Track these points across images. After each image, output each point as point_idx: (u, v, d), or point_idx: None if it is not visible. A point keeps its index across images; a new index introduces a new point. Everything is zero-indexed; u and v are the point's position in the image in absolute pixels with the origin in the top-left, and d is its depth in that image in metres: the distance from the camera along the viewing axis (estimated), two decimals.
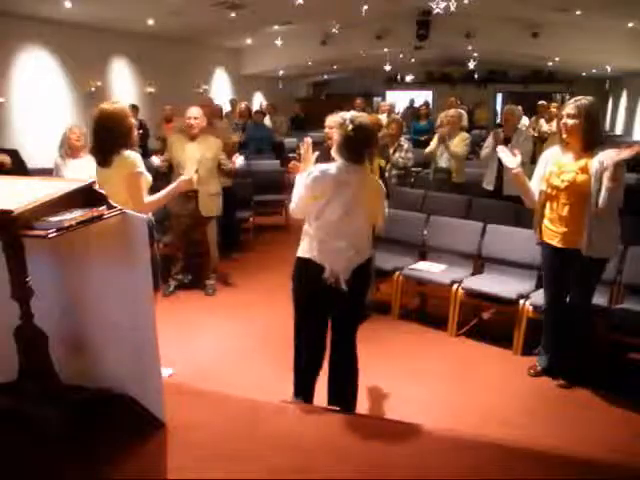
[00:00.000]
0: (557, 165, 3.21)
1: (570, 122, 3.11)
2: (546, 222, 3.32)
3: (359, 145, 2.58)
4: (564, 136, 3.18)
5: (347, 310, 2.81)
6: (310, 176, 2.62)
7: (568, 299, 3.36)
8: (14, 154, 5.09)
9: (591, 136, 3.10)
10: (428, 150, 6.28)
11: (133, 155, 3.04)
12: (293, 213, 2.79)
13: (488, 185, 5.56)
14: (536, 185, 3.34)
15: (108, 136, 3.02)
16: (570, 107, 3.14)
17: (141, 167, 3.05)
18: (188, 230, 4.89)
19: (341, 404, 2.79)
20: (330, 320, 2.85)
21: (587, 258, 3.15)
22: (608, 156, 2.98)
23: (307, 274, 2.72)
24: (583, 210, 3.11)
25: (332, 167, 2.61)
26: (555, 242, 3.28)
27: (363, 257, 2.70)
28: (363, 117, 2.66)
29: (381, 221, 2.82)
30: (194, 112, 4.73)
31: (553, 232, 3.28)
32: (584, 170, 3.09)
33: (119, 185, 2.94)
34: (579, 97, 3.19)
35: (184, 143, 4.71)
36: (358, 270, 2.68)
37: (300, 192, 2.67)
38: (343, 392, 2.90)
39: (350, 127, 2.55)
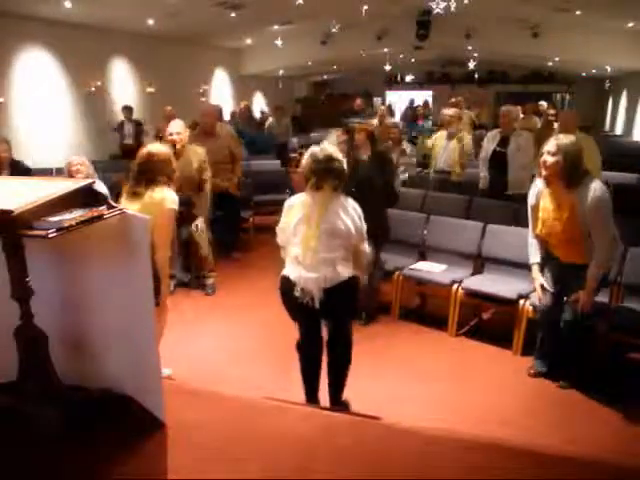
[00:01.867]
0: (543, 208, 3.27)
1: (550, 159, 3.13)
2: (547, 248, 3.39)
3: (312, 175, 2.75)
4: (544, 173, 3.20)
5: (332, 324, 2.95)
6: (285, 205, 2.91)
7: (566, 309, 3.36)
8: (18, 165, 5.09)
9: (570, 174, 3.11)
10: (428, 145, 6.26)
11: (170, 192, 3.10)
12: (278, 239, 2.96)
13: (483, 184, 5.57)
14: (532, 215, 3.43)
15: (152, 172, 3.09)
16: (550, 144, 3.16)
17: (175, 205, 3.09)
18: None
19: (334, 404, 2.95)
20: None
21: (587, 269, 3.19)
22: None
23: (284, 291, 2.86)
24: (579, 240, 3.17)
25: (301, 195, 2.84)
26: (555, 254, 3.35)
27: (338, 278, 2.75)
28: (320, 149, 2.81)
29: (361, 245, 2.85)
30: (176, 127, 4.66)
31: (554, 251, 3.35)
32: (572, 210, 3.13)
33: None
34: (560, 136, 3.24)
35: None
36: (335, 290, 2.74)
37: (281, 220, 2.92)
38: (333, 394, 3.03)
39: (309, 160, 2.77)
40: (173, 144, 4.54)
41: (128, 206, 2.92)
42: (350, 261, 2.81)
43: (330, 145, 2.99)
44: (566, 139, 3.16)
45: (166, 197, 3.06)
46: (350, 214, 2.76)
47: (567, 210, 3.14)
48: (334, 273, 2.73)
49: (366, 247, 2.88)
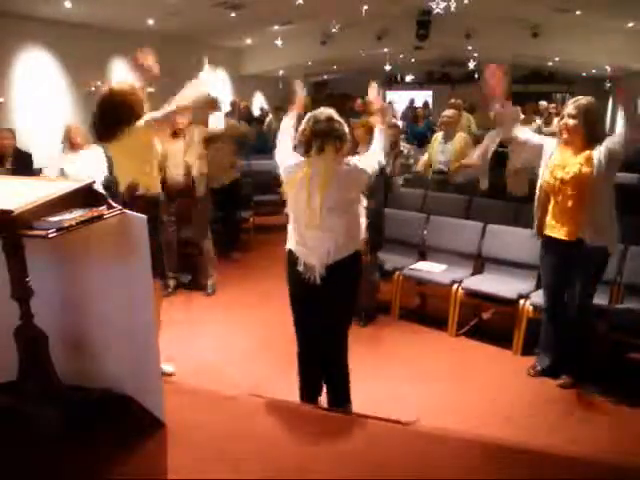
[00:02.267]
0: (561, 158, 3.26)
1: (571, 122, 3.17)
2: (550, 216, 3.33)
3: (313, 138, 2.59)
4: (565, 136, 3.22)
5: (331, 309, 2.73)
6: (282, 166, 2.73)
7: (568, 299, 3.36)
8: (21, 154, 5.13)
9: (591, 135, 3.16)
10: (425, 158, 6.21)
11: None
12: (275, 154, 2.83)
13: (483, 184, 5.58)
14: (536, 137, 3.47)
15: (112, 113, 3.10)
16: (570, 107, 3.20)
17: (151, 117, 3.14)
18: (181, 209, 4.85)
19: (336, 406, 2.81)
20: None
21: (590, 248, 3.16)
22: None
23: (289, 264, 2.75)
24: (587, 202, 3.15)
25: (298, 161, 2.67)
26: (558, 235, 3.29)
27: (342, 253, 2.63)
28: (319, 111, 2.66)
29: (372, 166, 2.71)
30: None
31: (557, 226, 3.30)
32: (588, 162, 3.14)
33: (132, 152, 3.10)
34: (579, 97, 3.25)
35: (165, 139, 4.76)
36: (338, 266, 2.62)
37: (282, 139, 2.85)
38: (335, 397, 2.90)
39: (309, 123, 2.62)
40: (175, 124, 4.60)
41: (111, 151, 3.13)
42: (354, 233, 2.67)
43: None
44: (584, 100, 3.20)
45: (140, 124, 3.05)
46: (354, 176, 2.62)
47: (584, 162, 3.14)
48: (337, 248, 2.60)
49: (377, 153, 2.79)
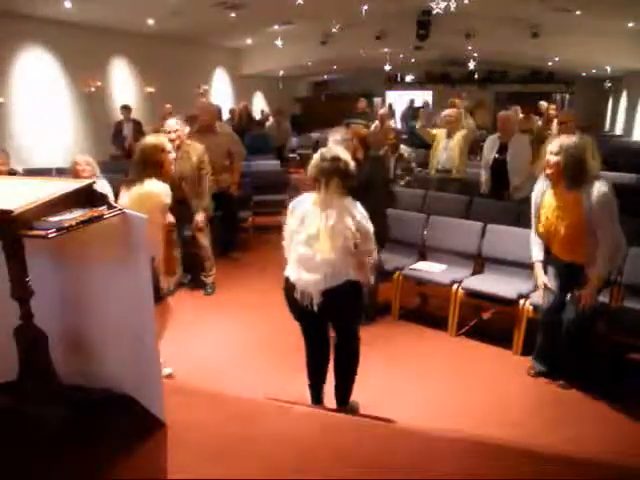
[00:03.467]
0: (547, 203, 3.28)
1: (552, 159, 3.17)
2: (550, 244, 3.38)
3: (323, 175, 2.73)
4: (548, 171, 3.23)
5: (337, 328, 2.97)
6: (290, 205, 2.90)
7: (569, 300, 3.36)
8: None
9: (573, 175, 3.13)
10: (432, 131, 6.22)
11: (160, 184, 3.09)
12: (283, 242, 2.93)
13: (485, 189, 5.56)
14: (536, 214, 3.42)
15: (143, 163, 3.13)
16: (553, 145, 3.20)
17: (167, 198, 3.10)
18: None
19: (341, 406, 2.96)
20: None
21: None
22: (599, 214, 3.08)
23: (286, 291, 2.87)
24: (580, 240, 3.17)
25: (307, 195, 2.83)
26: (559, 256, 3.34)
27: (337, 280, 2.73)
28: (327, 149, 2.84)
29: (366, 244, 2.79)
30: (172, 125, 4.64)
31: (556, 251, 3.35)
32: (576, 203, 3.14)
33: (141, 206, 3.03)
34: (564, 137, 3.25)
35: None
36: (334, 292, 2.73)
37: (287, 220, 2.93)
38: (340, 397, 3.04)
39: (317, 160, 2.77)
40: (173, 142, 4.55)
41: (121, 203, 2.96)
42: (352, 264, 2.78)
43: (337, 146, 3.00)
44: (569, 140, 3.18)
45: (154, 189, 3.02)
46: (355, 216, 2.73)
47: (570, 209, 3.15)
48: (334, 274, 2.71)
49: (372, 249, 2.82)
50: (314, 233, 2.70)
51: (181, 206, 4.60)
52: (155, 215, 2.93)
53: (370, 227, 2.79)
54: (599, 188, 3.08)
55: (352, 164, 2.80)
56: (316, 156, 2.80)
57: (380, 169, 4.19)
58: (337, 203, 2.71)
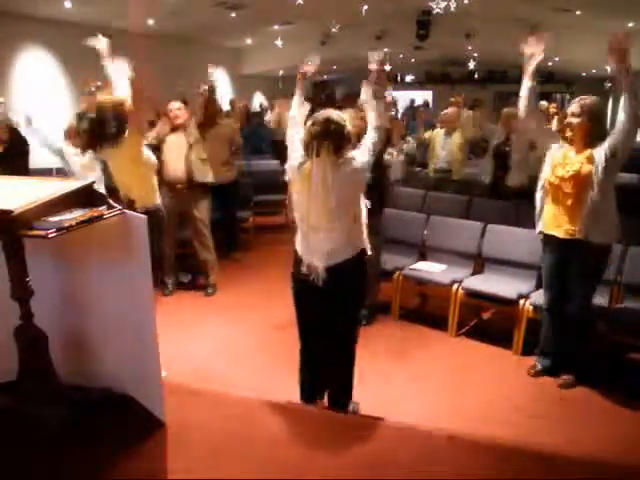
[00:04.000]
0: (562, 156, 3.26)
1: (574, 121, 3.19)
2: (549, 214, 3.33)
3: (310, 140, 2.55)
4: (568, 134, 3.24)
5: (334, 311, 2.73)
6: (288, 170, 2.70)
7: (568, 299, 3.36)
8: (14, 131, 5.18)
9: (594, 133, 3.17)
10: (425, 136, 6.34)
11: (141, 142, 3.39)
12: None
13: (485, 177, 5.61)
14: (547, 168, 3.36)
15: (103, 126, 3.36)
16: (574, 106, 3.23)
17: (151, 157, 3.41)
18: (178, 227, 4.88)
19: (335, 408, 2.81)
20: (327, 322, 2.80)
21: (589, 247, 3.15)
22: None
23: (294, 265, 2.74)
24: (586, 200, 3.15)
25: (302, 160, 2.63)
26: (557, 233, 3.28)
27: (343, 255, 2.62)
28: (320, 112, 2.62)
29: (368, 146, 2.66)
30: (175, 104, 4.89)
31: (556, 223, 3.29)
32: (589, 160, 3.15)
33: (123, 166, 3.33)
34: (583, 96, 3.28)
35: (163, 128, 4.85)
36: (339, 268, 2.61)
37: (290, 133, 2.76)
38: (336, 399, 2.88)
39: (308, 125, 2.59)
40: (174, 119, 4.74)
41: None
42: (355, 234, 2.67)
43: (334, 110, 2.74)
44: (588, 99, 3.22)
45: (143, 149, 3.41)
46: (352, 179, 2.58)
47: (585, 160, 3.14)
48: (337, 250, 2.60)
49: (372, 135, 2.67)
50: (311, 207, 2.55)
51: (188, 191, 4.66)
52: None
53: (368, 149, 2.65)
54: (608, 140, 3.11)
55: (349, 126, 2.59)
56: (309, 120, 2.61)
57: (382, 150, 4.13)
58: (331, 170, 2.51)
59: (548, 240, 3.37)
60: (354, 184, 2.64)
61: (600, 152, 3.11)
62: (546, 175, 3.31)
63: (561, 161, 3.25)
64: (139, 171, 3.48)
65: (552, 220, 3.31)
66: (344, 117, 2.62)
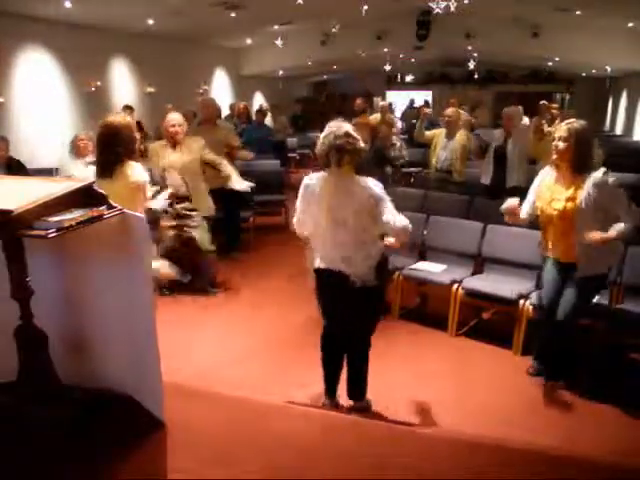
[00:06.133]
0: (549, 191, 3.26)
1: (561, 145, 3.14)
2: (547, 239, 3.36)
3: (332, 152, 2.71)
4: (554, 157, 3.21)
5: (366, 309, 2.94)
6: (301, 186, 2.86)
7: (559, 305, 3.35)
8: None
9: (581, 160, 3.12)
10: (426, 135, 6.34)
11: (135, 165, 3.10)
12: (294, 226, 2.93)
13: (485, 179, 5.61)
14: (531, 198, 3.40)
15: (111, 149, 3.08)
16: (562, 130, 3.18)
17: (143, 177, 3.13)
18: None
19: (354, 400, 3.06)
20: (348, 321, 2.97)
21: (585, 277, 3.18)
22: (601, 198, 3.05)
23: (321, 282, 2.89)
24: (575, 235, 3.15)
25: (313, 177, 2.82)
26: (555, 256, 3.33)
27: (376, 259, 2.80)
28: (337, 126, 2.77)
29: (388, 224, 2.80)
30: (175, 119, 4.68)
31: (553, 248, 3.34)
32: (573, 199, 3.13)
33: (122, 195, 3.02)
34: (571, 120, 3.23)
35: (165, 152, 4.71)
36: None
37: (298, 203, 2.90)
38: (353, 391, 3.09)
39: (322, 138, 2.76)
40: (174, 135, 4.62)
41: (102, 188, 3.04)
42: (370, 257, 2.80)
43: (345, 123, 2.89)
44: (577, 123, 3.17)
45: (134, 172, 3.06)
46: (363, 198, 2.71)
47: (570, 199, 3.13)
48: (349, 265, 2.77)
49: (392, 219, 2.80)
50: (323, 223, 2.73)
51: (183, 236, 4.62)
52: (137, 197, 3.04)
53: (385, 197, 2.78)
54: (602, 174, 3.07)
55: (361, 141, 2.79)
56: (326, 132, 2.77)
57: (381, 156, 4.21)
58: (349, 180, 2.72)
59: (549, 259, 3.41)
60: (366, 201, 2.74)
61: (584, 194, 3.07)
62: (534, 197, 3.35)
63: (548, 197, 3.24)
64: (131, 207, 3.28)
65: (550, 244, 3.35)
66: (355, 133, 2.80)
